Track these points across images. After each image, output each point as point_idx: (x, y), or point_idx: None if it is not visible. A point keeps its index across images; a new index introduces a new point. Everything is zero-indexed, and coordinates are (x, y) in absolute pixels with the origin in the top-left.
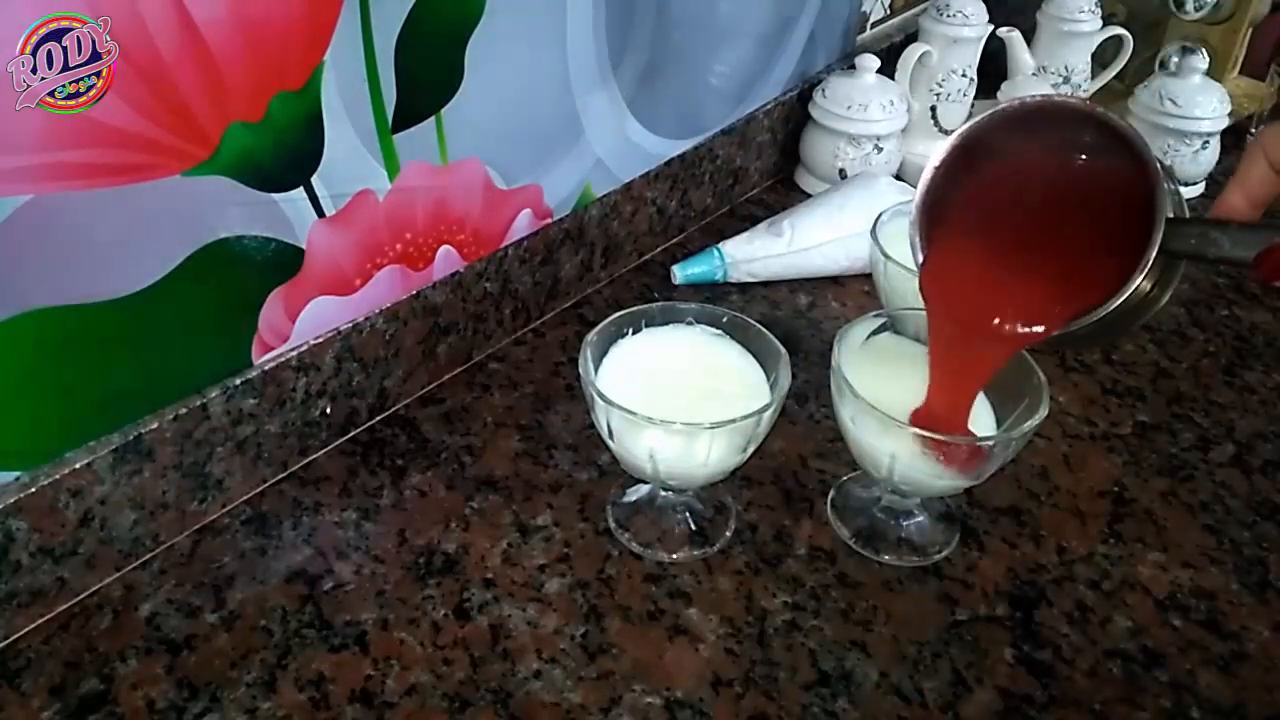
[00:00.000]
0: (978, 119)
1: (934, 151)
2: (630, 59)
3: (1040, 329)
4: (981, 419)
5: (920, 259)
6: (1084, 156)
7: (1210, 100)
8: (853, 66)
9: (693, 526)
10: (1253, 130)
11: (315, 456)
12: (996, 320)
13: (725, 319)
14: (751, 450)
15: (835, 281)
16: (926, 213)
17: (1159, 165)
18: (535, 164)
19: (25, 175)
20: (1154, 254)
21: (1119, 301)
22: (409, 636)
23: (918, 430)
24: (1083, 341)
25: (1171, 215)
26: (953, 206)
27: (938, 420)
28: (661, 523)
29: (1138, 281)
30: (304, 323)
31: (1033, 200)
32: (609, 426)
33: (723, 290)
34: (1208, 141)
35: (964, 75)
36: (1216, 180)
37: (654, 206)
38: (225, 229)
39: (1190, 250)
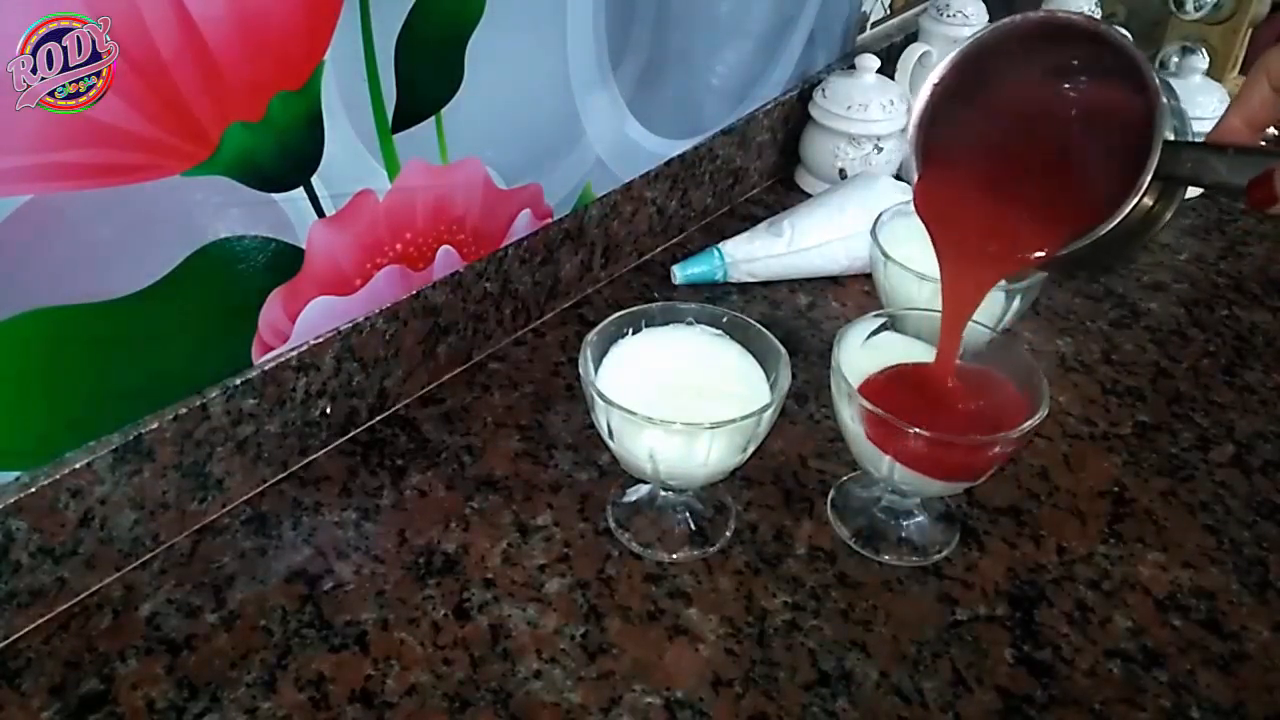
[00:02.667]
0: (979, 34)
1: (935, 68)
2: (630, 59)
3: (1036, 253)
4: None
5: (915, 177)
6: (1086, 76)
7: (1210, 100)
8: (853, 66)
9: (693, 526)
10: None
11: (315, 456)
12: (991, 242)
13: (725, 319)
14: (751, 450)
15: (835, 281)
16: (924, 130)
17: (1160, 85)
18: (535, 164)
19: (25, 175)
20: (1149, 177)
21: (1112, 225)
22: (409, 636)
23: (918, 430)
24: (1087, 263)
25: (1172, 138)
26: (950, 125)
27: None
28: (661, 523)
29: (1132, 204)
30: (304, 323)
31: (1032, 120)
32: (609, 426)
33: (723, 290)
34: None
35: None
36: None
37: (654, 206)
38: (225, 229)
39: (1186, 174)
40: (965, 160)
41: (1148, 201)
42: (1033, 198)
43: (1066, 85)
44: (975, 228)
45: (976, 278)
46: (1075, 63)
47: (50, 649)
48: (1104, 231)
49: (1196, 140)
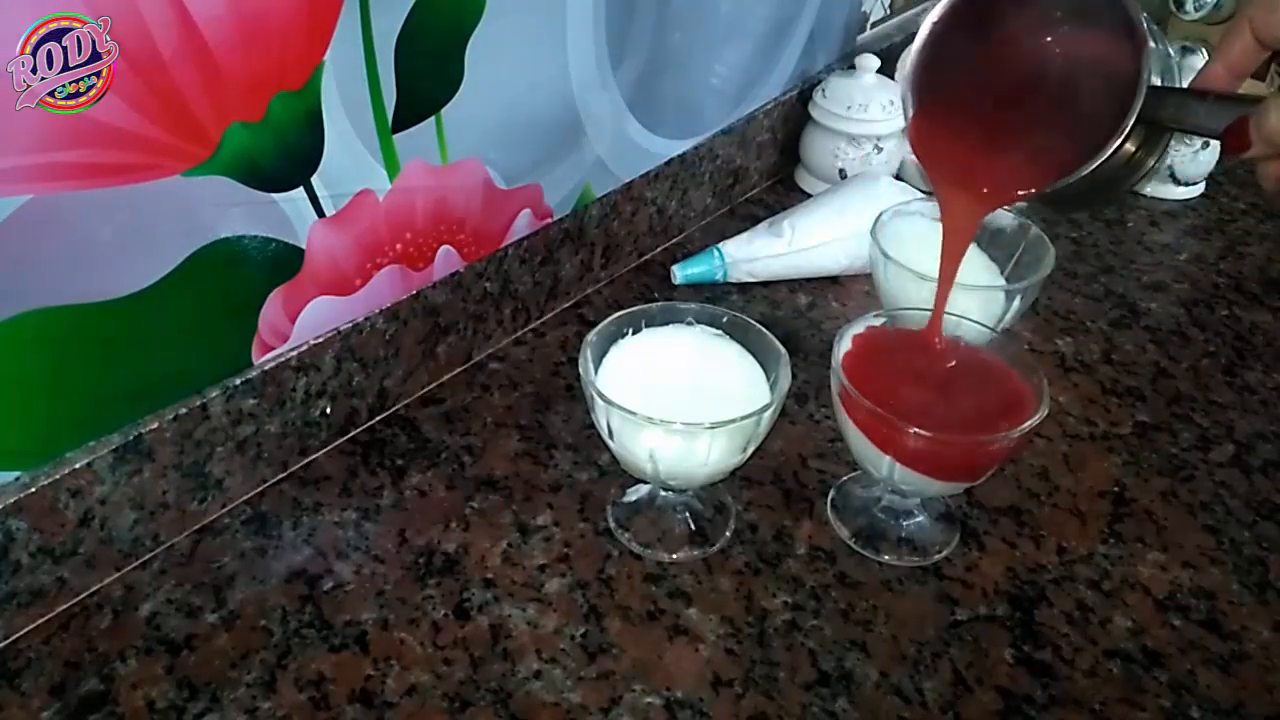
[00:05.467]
0: None
1: (934, 8)
2: (630, 59)
3: (1024, 190)
4: None
5: (910, 114)
6: (1078, 19)
7: None
8: (853, 66)
9: (693, 526)
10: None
11: (315, 456)
12: (982, 178)
13: (725, 319)
14: (751, 450)
15: (835, 281)
16: (920, 70)
17: (1148, 31)
18: (535, 164)
19: (25, 175)
20: (1132, 119)
21: (1095, 164)
22: (409, 636)
23: (918, 430)
24: (1075, 201)
25: (1159, 83)
26: (946, 64)
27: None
28: (661, 523)
29: (1115, 145)
30: (304, 323)
31: (1025, 61)
32: (609, 426)
33: (723, 290)
34: (1208, 141)
35: None
36: (1217, 180)
37: (654, 206)
38: (225, 229)
39: (1168, 118)
40: (959, 98)
41: (1130, 146)
42: (1023, 137)
43: (1059, 28)
44: (967, 165)
45: (969, 210)
46: (1068, 6)
47: (50, 649)
48: (1087, 170)
49: (1180, 87)
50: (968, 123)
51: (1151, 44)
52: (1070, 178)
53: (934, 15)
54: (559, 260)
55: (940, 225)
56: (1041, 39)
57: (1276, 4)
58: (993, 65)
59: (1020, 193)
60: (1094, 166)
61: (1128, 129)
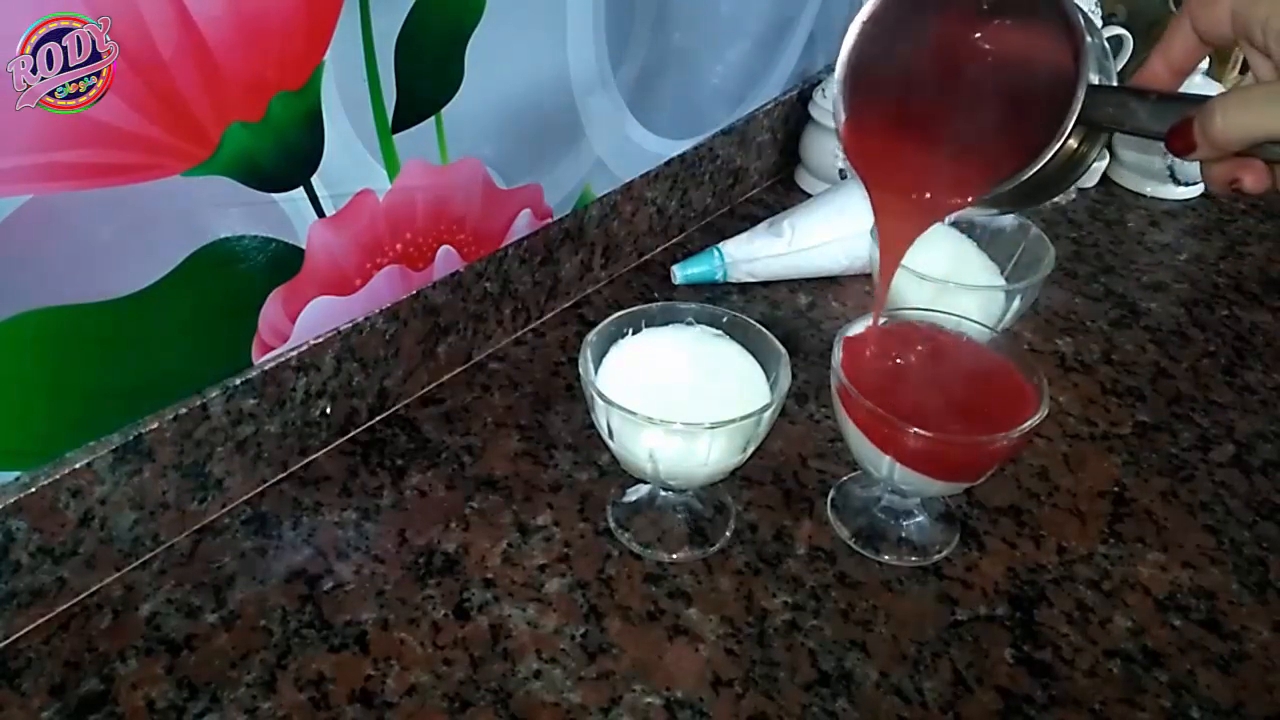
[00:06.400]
0: None
1: (865, 5)
2: (630, 59)
3: (959, 199)
4: None
5: (842, 118)
6: (1014, 15)
7: None
8: None
9: (693, 526)
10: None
11: (315, 456)
12: (918, 185)
13: (725, 319)
14: (751, 450)
15: (835, 281)
16: (852, 70)
17: (1085, 26)
18: (535, 164)
19: (25, 175)
20: (1072, 122)
21: (1035, 169)
22: (409, 636)
23: (918, 430)
24: (1017, 201)
25: (1096, 82)
26: (878, 63)
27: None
28: (661, 523)
29: (1054, 150)
30: (304, 323)
31: (959, 60)
32: (609, 426)
33: (723, 290)
34: None
35: None
36: None
37: (654, 206)
38: (225, 229)
39: (1108, 119)
40: (892, 100)
41: (1072, 144)
42: (959, 139)
43: (994, 24)
44: (902, 170)
45: (907, 221)
46: (1002, 2)
47: (50, 649)
48: (1026, 176)
49: (1120, 85)
50: (902, 126)
51: (1089, 39)
52: (1009, 183)
53: (863, 13)
54: (559, 260)
55: (939, 226)
56: (973, 35)
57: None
58: (927, 64)
59: (958, 200)
60: (1035, 170)
61: (1067, 132)
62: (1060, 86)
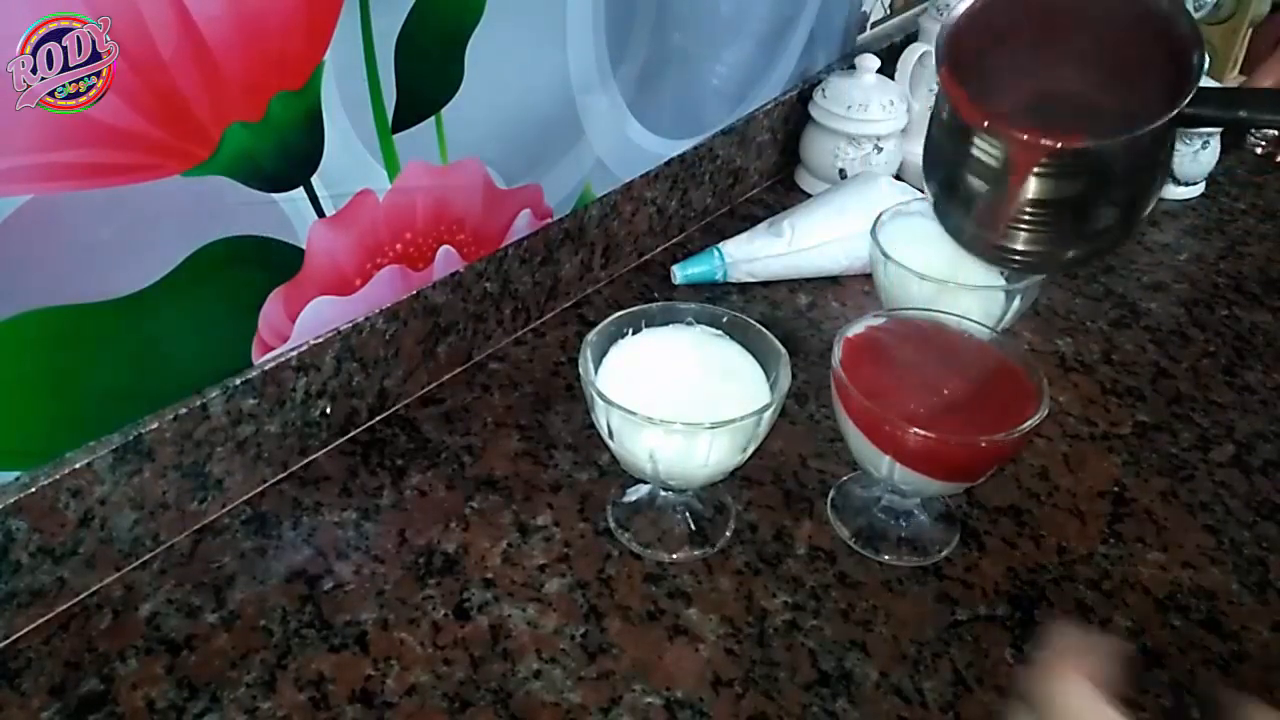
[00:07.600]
0: None
1: None
2: (630, 59)
3: (1077, 141)
4: None
5: (957, 92)
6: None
7: None
8: (853, 66)
9: (693, 526)
10: (1253, 131)
11: (315, 456)
12: (1042, 129)
13: (725, 319)
14: (751, 450)
15: (835, 281)
16: (957, 46)
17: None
18: (535, 164)
19: (25, 175)
20: (1192, 93)
21: (1151, 127)
22: (409, 636)
23: (918, 431)
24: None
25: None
26: (988, 35)
27: None
28: (661, 523)
29: (1174, 112)
30: (304, 323)
31: (1074, 31)
32: (609, 426)
33: (723, 290)
34: (1208, 141)
35: None
36: (1217, 180)
37: (654, 206)
38: (225, 229)
39: (1221, 102)
40: (1015, 66)
41: (1156, 151)
42: (1080, 81)
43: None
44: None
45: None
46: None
47: (50, 649)
48: (1136, 134)
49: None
50: (1022, 60)
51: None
52: (1124, 135)
53: None
54: (559, 260)
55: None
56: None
57: None
58: (1041, 38)
59: (1073, 138)
60: (1152, 127)
61: (1186, 101)
62: (1177, 64)
